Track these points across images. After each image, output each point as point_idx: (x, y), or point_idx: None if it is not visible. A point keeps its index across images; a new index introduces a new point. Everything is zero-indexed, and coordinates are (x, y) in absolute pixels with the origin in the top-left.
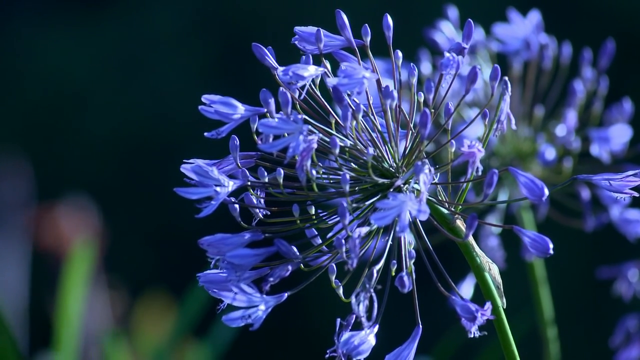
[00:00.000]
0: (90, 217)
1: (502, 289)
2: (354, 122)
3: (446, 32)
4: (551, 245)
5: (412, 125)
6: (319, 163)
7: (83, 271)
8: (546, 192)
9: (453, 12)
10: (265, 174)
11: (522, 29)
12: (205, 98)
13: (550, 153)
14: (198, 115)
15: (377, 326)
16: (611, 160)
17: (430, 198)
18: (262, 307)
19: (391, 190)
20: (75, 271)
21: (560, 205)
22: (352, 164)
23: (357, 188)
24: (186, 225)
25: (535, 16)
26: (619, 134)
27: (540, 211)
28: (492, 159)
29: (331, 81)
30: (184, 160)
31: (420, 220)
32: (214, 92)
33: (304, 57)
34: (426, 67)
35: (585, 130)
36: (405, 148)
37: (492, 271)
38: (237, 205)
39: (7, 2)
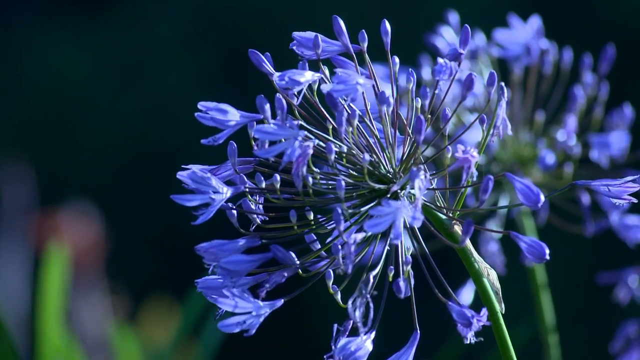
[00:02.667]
0: (93, 222)
1: (500, 295)
2: (350, 128)
3: (447, 37)
4: (547, 251)
5: (409, 131)
6: (316, 169)
7: (59, 273)
8: (542, 198)
9: (454, 17)
10: (263, 179)
11: (523, 34)
12: (201, 105)
13: (550, 158)
14: (199, 121)
15: (374, 332)
16: (611, 165)
17: (427, 204)
18: (257, 313)
19: (387, 196)
20: (51, 274)
21: (560, 210)
22: (349, 169)
23: (354, 194)
24: (188, 230)
25: (536, 21)
26: (618, 140)
27: (540, 216)
28: (492, 164)
29: (325, 87)
30: (181, 167)
31: (417, 226)
32: (214, 98)
33: (301, 62)
34: (427, 73)
35: (585, 135)
36: (403, 154)
37: (491, 276)
38: (234, 212)
39: (9, 7)
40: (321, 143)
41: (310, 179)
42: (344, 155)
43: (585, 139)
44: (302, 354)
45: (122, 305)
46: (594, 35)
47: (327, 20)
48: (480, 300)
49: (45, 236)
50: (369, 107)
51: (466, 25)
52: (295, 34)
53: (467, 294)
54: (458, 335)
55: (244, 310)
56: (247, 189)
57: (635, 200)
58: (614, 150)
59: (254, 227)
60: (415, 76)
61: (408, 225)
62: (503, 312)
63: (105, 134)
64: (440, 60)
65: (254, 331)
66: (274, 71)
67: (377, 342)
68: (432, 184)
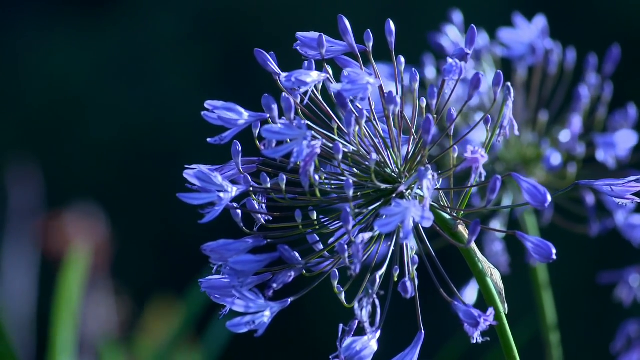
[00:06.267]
0: (98, 223)
1: (504, 295)
2: (357, 128)
3: (451, 36)
4: (554, 251)
5: (414, 131)
6: (322, 168)
7: (79, 277)
8: (549, 198)
9: (458, 16)
10: (268, 179)
11: (528, 33)
12: (208, 104)
13: (555, 158)
14: (200, 120)
15: (379, 332)
16: (616, 165)
17: (432, 204)
18: (266, 313)
19: (394, 195)
20: (71, 277)
21: (564, 210)
22: (354, 169)
23: (359, 193)
24: (191, 230)
25: (540, 21)
26: (625, 140)
27: (544, 216)
28: (496, 164)
29: (335, 87)
30: (186, 166)
31: (422, 226)
32: (215, 97)
33: (306, 62)
34: (430, 72)
35: (589, 135)
36: (408, 153)
37: (494, 277)
38: (239, 211)
39: (9, 8)
40: (327, 143)
41: (317, 178)
42: (350, 155)
43: (589, 139)
44: (305, 355)
45: (125, 306)
46: (598, 35)
47: (328, 21)
48: (481, 300)
49: (51, 238)
50: (373, 107)
51: (472, 25)
52: (299, 34)
53: (470, 294)
54: (459, 336)
55: (251, 310)
56: (252, 189)
57: (639, 200)
58: (620, 150)
59: (258, 227)
60: (419, 76)
61: (416, 225)
62: (506, 312)
63: (106, 134)
64: (450, 60)
65: (262, 331)
66: (279, 71)
67: (382, 341)
68: (437, 184)
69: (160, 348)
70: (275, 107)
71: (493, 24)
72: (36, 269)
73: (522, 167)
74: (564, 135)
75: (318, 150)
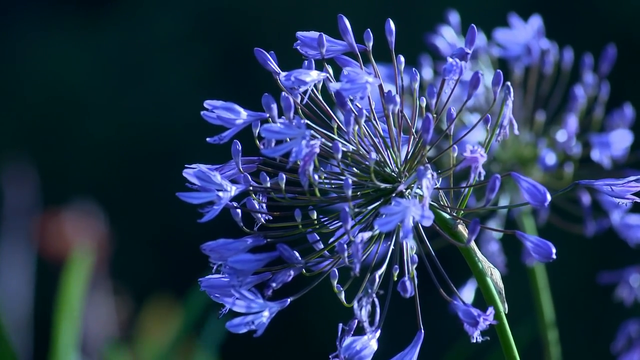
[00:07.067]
0: (95, 222)
1: (504, 294)
2: (356, 127)
3: (447, 37)
4: (554, 250)
5: (414, 131)
6: (321, 168)
7: (81, 278)
8: (548, 197)
9: (454, 17)
10: (268, 178)
11: (524, 34)
12: (207, 103)
13: (550, 158)
14: (200, 120)
15: (379, 331)
16: (612, 165)
17: (432, 203)
18: (265, 313)
19: (393, 195)
20: (73, 278)
21: (561, 210)
22: (354, 169)
23: (359, 193)
24: (190, 230)
25: (536, 21)
26: (620, 139)
27: (541, 216)
28: (493, 164)
29: (334, 86)
30: (186, 165)
31: (422, 226)
32: (215, 97)
33: (306, 62)
34: (427, 73)
35: (586, 135)
36: (407, 153)
37: (494, 276)
38: (239, 210)
39: (8, 7)
40: (326, 142)
41: (317, 177)
42: (349, 154)
43: (585, 139)
44: (300, 352)
45: (124, 305)
46: (595, 35)
47: (327, 21)
48: (479, 300)
49: (48, 237)
50: (373, 106)
51: (472, 24)
52: (299, 33)
53: (467, 294)
54: (464, 338)
55: (251, 310)
56: (252, 188)
57: (638, 200)
58: (616, 150)
59: (257, 226)
60: (419, 76)
61: (415, 225)
62: (506, 311)
63: (106, 134)
64: (450, 59)
65: (262, 331)
66: (279, 70)
67: (381, 340)
68: (437, 184)
69: (161, 350)
70: (274, 106)
71: (489, 24)
72: (33, 268)
73: (518, 167)
74: (561, 135)
75: (317, 150)
